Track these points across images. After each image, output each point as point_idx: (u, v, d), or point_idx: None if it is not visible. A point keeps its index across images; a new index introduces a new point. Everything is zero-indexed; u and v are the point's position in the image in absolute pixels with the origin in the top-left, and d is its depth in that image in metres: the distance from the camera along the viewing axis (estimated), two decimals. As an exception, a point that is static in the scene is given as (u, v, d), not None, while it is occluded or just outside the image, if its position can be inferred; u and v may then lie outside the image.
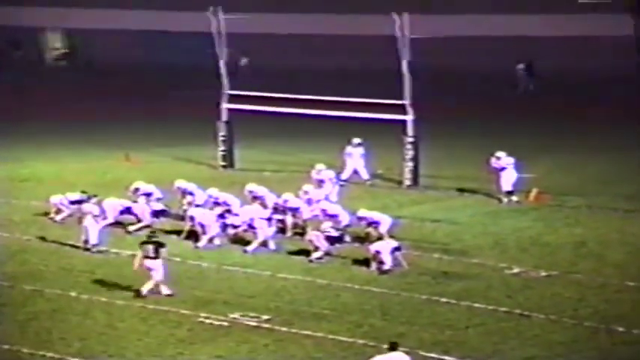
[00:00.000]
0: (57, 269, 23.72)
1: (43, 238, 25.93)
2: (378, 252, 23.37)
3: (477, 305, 21.24)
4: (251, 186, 27.52)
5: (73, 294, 21.94)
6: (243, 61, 57.16)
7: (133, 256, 23.73)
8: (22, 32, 62.17)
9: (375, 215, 25.39)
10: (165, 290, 21.72)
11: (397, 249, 23.60)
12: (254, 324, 20.25)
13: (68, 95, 52.29)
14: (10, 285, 22.55)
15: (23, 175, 33.63)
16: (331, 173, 29.45)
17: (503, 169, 29.40)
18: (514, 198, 29.32)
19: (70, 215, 27.13)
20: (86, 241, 24.95)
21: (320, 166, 29.57)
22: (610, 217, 27.85)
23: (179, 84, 52.99)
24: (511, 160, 29.48)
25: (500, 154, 29.63)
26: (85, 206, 25.69)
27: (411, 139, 31.54)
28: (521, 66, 51.84)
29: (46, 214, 27.75)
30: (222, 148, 34.60)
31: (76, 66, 62.21)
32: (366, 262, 23.65)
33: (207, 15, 34.53)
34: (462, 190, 30.72)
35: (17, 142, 39.18)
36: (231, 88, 34.52)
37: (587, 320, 20.43)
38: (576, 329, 20.04)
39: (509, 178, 29.31)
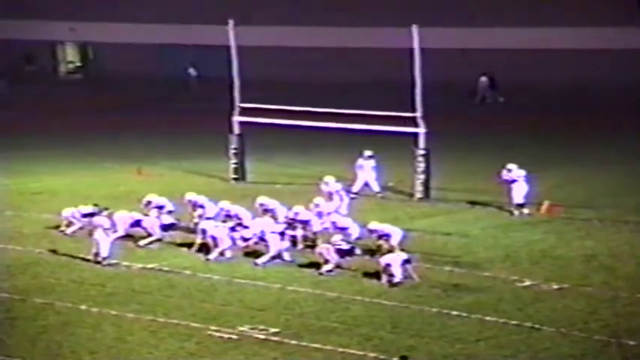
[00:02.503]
0: (68, 282, 23.76)
1: (54, 251, 26.00)
2: (388, 265, 23.35)
3: (487, 318, 21.19)
4: (262, 199, 27.55)
5: (83, 307, 21.98)
6: (191, 71, 58.01)
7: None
8: (35, 46, 62.47)
9: (385, 228, 25.38)
10: None
11: (407, 261, 23.57)
12: (263, 337, 20.24)
13: (81, 108, 52.47)
14: (21, 298, 22.60)
15: (35, 188, 33.73)
16: (338, 185, 29.44)
17: (514, 181, 29.36)
18: (525, 210, 29.26)
19: (81, 228, 27.20)
20: (97, 254, 25.00)
21: (328, 178, 29.57)
22: (621, 230, 27.76)
23: (191, 97, 53.16)
24: (522, 172, 29.44)
25: (511, 166, 29.60)
26: (96, 219, 25.75)
27: (422, 152, 31.53)
28: (483, 79, 52.00)
29: (57, 227, 27.84)
30: (234, 160, 34.64)
31: (89, 79, 62.45)
32: (376, 275, 23.63)
33: (222, 28, 34.65)
34: (473, 203, 30.67)
35: (30, 155, 39.33)
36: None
37: (597, 333, 20.36)
38: (587, 342, 19.97)
39: (520, 191, 29.27)
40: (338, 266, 24.16)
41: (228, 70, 34.52)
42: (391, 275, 23.27)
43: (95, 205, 27.45)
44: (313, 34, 57.82)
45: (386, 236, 25.14)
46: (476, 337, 20.24)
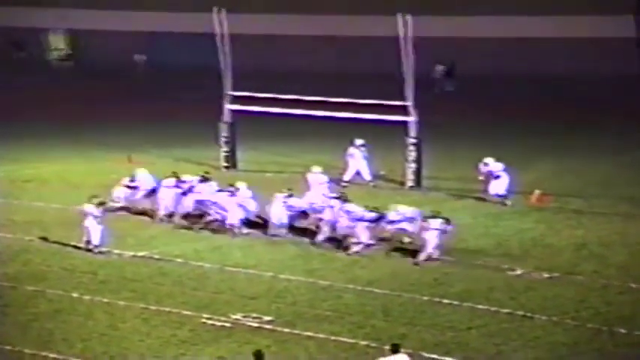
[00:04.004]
0: (59, 270, 23.74)
1: (45, 239, 25.96)
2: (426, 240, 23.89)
3: (479, 307, 21.25)
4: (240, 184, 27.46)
5: (75, 295, 21.95)
6: (139, 57, 58.22)
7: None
8: (25, 33, 62.22)
9: (407, 211, 25.35)
10: None
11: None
12: (256, 325, 20.27)
13: (71, 96, 52.31)
14: (12, 286, 22.56)
15: (25, 175, 33.65)
16: (324, 177, 29.08)
17: (492, 174, 29.38)
18: (508, 202, 29.20)
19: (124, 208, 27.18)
20: (88, 242, 24.97)
21: (316, 168, 29.36)
22: (611, 219, 27.85)
23: (182, 85, 53.04)
24: (500, 165, 29.42)
25: (488, 160, 29.63)
26: (86, 207, 25.65)
27: (413, 141, 31.55)
28: (440, 67, 52.08)
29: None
30: (225, 149, 34.60)
31: (80, 67, 62.25)
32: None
33: (210, 15, 34.57)
34: (463, 192, 30.68)
35: (20, 143, 39.22)
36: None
37: (589, 322, 20.43)
38: (578, 331, 20.05)
39: (498, 183, 29.26)
40: (367, 245, 24.46)
41: (217, 58, 34.46)
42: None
43: (175, 174, 27.72)
44: (302, 22, 57.73)
45: (410, 220, 25.10)
46: (467, 326, 20.29)
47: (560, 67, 52.05)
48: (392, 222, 24.94)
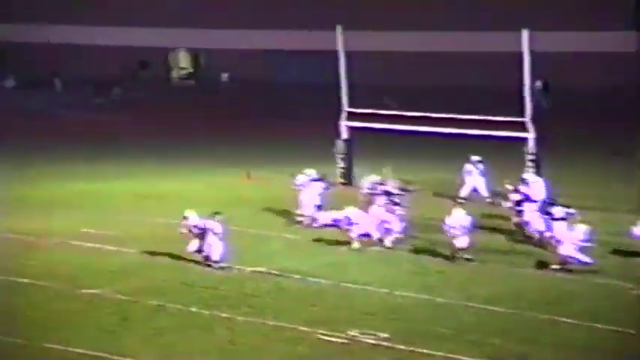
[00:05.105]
0: (178, 285, 24.09)
1: (165, 254, 26.39)
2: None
3: (599, 326, 20.81)
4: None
5: (194, 309, 22.26)
6: (224, 76, 58.72)
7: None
8: (151, 52, 63.71)
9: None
10: None
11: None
12: (373, 342, 20.23)
13: (190, 113, 53.24)
14: (134, 300, 23.02)
15: (146, 191, 34.30)
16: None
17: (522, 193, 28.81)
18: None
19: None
20: (207, 258, 25.30)
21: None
22: None
23: (301, 102, 53.47)
24: (538, 178, 28.86)
25: (527, 176, 29.02)
26: (208, 223, 25.96)
27: (532, 157, 31.16)
28: (538, 83, 51.23)
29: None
30: (342, 165, 34.71)
31: (201, 85, 63.39)
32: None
33: (329, 33, 34.85)
34: (585, 209, 30.05)
35: (141, 159, 40.05)
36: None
37: None
38: None
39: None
40: (564, 263, 24.54)
41: (335, 75, 34.65)
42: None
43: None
44: (423, 39, 57.67)
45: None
46: (588, 345, 19.87)
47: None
48: None
